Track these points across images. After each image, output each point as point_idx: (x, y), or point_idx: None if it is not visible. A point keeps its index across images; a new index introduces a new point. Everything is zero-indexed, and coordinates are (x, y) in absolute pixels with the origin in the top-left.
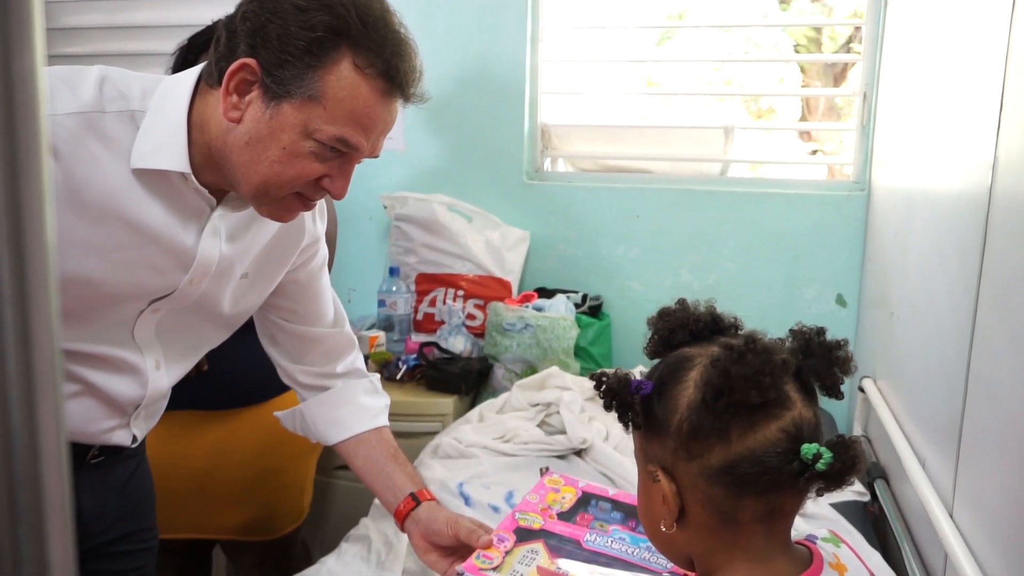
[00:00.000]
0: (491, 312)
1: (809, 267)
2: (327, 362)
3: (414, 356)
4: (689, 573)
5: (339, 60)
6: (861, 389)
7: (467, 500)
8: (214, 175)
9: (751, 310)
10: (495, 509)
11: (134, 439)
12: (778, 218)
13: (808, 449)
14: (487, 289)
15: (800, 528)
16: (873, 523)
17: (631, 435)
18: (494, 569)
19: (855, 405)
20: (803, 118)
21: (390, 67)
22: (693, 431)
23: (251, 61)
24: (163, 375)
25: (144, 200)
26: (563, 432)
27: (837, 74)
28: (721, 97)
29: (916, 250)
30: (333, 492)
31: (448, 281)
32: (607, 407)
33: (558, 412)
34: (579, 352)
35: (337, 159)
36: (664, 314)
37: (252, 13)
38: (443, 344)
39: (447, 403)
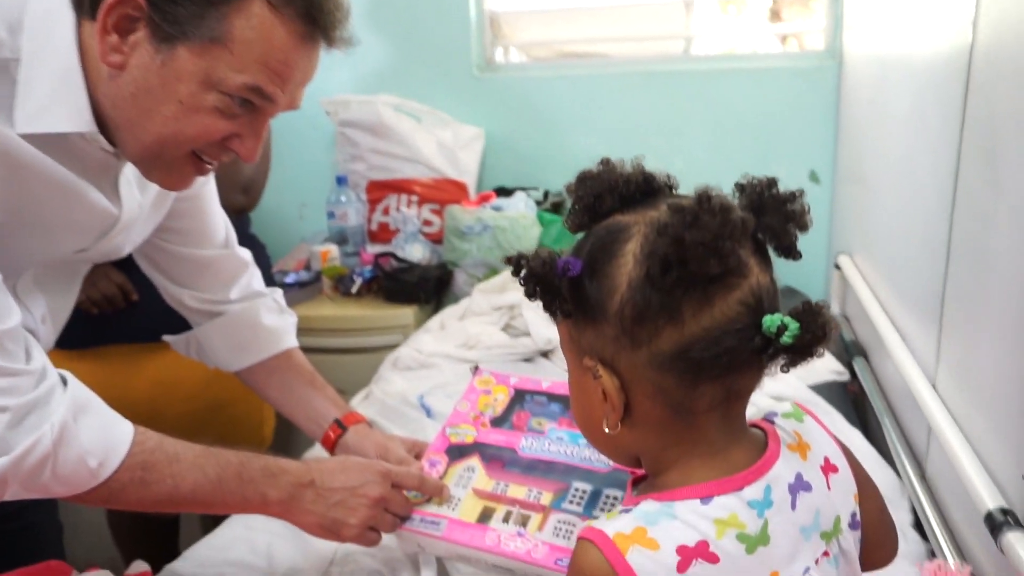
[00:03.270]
0: (448, 216)
1: (780, 145)
2: (219, 288)
3: (370, 268)
4: (635, 471)
5: None
6: (837, 266)
7: (428, 412)
8: None
9: None
10: None
11: None
12: (746, 96)
13: (771, 321)
14: (442, 192)
15: (762, 406)
16: (853, 402)
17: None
18: (428, 500)
19: (831, 283)
20: (775, 6)
21: (312, 6)
22: (638, 314)
23: None
24: (50, 329)
25: (41, 163)
26: (528, 334)
27: None
28: None
29: (892, 118)
30: None
31: (400, 187)
32: (529, 295)
33: (522, 314)
34: None
35: (247, 114)
36: (586, 178)
37: None
38: (400, 253)
39: (407, 314)
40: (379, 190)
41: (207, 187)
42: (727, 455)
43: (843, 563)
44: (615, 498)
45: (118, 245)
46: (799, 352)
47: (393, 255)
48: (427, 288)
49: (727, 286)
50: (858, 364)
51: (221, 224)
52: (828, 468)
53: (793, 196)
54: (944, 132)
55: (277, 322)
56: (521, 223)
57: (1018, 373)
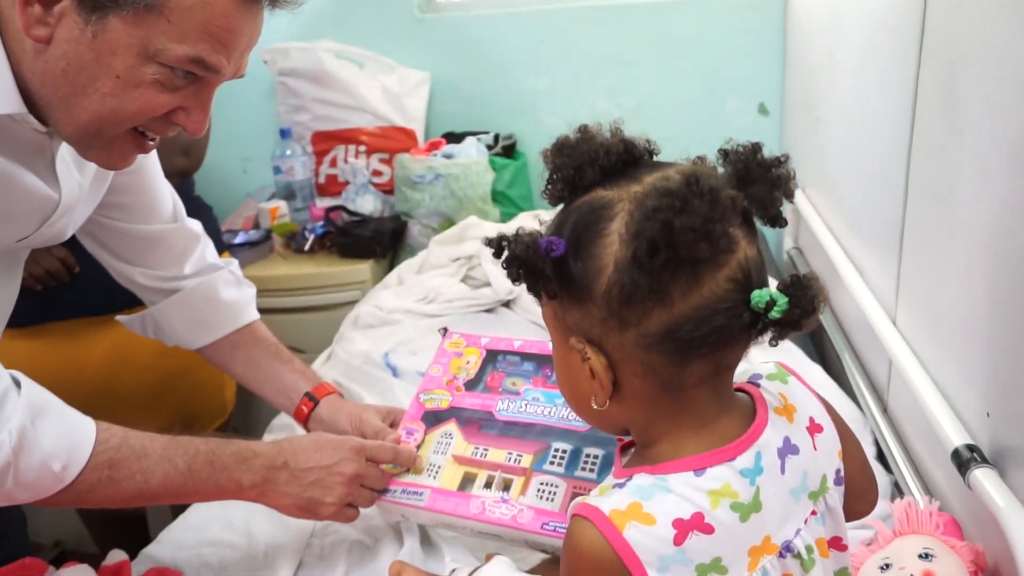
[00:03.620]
0: (398, 165)
1: (729, 77)
2: (172, 264)
3: (321, 223)
4: (622, 439)
5: None
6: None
7: (395, 371)
8: None
9: (673, 131)
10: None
11: None
12: (693, 27)
13: (759, 297)
14: (391, 141)
15: (752, 360)
16: (810, 335)
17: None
18: (406, 471)
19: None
20: None
21: None
22: (626, 296)
23: None
24: None
25: None
26: (488, 285)
27: None
28: None
29: (845, 48)
30: None
31: (347, 137)
32: (513, 279)
33: (481, 264)
34: (497, 197)
35: (191, 86)
36: (563, 148)
37: None
38: (351, 206)
39: (363, 269)
40: (325, 141)
41: (149, 158)
42: (716, 425)
43: (829, 519)
44: (595, 456)
45: (61, 229)
46: (788, 326)
47: (344, 208)
48: (382, 241)
49: (715, 264)
50: None
51: (167, 196)
52: (813, 428)
53: (778, 161)
54: (900, 63)
55: (236, 295)
56: (474, 170)
57: (981, 309)
